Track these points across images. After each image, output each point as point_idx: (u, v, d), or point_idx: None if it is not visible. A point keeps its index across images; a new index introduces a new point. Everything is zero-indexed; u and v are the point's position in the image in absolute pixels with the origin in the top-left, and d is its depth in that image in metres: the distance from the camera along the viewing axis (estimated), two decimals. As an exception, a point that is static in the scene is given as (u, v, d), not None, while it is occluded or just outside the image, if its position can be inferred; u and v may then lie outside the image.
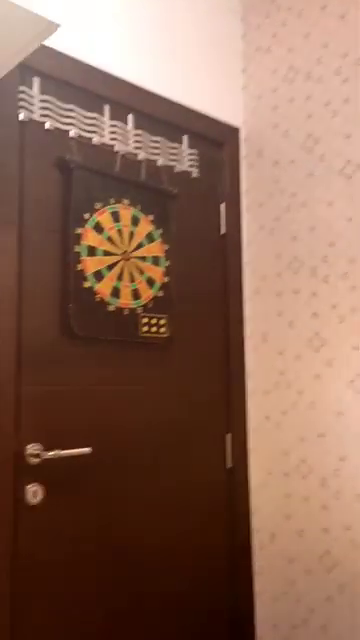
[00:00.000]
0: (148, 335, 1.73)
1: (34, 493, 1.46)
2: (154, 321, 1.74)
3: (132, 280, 1.70)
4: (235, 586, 1.91)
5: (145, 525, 1.69)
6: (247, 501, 1.96)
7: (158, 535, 1.73)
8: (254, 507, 1.96)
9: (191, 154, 1.95)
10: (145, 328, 1.72)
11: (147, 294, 1.73)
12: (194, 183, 1.95)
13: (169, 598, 1.73)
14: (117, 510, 1.63)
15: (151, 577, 1.70)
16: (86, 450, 1.53)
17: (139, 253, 1.73)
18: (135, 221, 1.73)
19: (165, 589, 1.72)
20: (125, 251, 1.70)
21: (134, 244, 1.72)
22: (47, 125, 1.57)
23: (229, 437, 1.95)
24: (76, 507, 1.55)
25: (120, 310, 1.67)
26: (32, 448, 1.47)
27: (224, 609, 1.88)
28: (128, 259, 1.70)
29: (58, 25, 1.13)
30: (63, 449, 1.51)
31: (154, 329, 1.74)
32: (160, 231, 1.79)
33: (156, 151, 1.85)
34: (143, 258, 1.74)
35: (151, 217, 1.77)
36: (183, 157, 1.92)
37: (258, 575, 1.94)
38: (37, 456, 1.47)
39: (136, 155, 1.79)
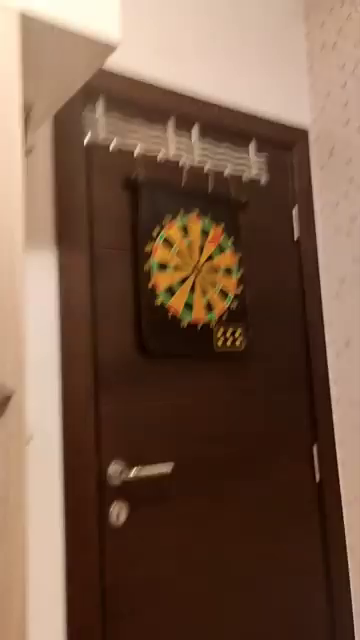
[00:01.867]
0: (224, 348, 1.68)
1: (118, 513, 1.42)
2: (229, 333, 1.69)
3: (205, 293, 1.67)
4: (333, 606, 1.78)
5: (230, 541, 1.62)
6: (340, 517, 1.83)
7: (246, 552, 1.65)
8: (348, 524, 1.83)
9: (259, 160, 1.90)
10: (220, 341, 1.67)
11: (221, 306, 1.69)
12: (264, 189, 1.90)
13: (259, 613, 1.63)
14: (200, 527, 1.57)
15: (239, 593, 1.61)
16: (167, 467, 1.49)
17: (210, 265, 1.70)
18: (205, 232, 1.70)
19: (253, 606, 1.63)
20: (196, 264, 1.67)
21: (205, 256, 1.69)
22: (112, 145, 1.58)
23: (316, 449, 1.83)
24: (160, 525, 1.51)
25: (194, 324, 1.63)
26: (114, 467, 1.44)
27: (321, 631, 1.75)
28: (199, 272, 1.67)
29: (116, 45, 1.10)
30: (144, 466, 1.47)
31: (230, 341, 1.69)
32: (231, 241, 1.75)
33: (222, 161, 1.81)
34: (215, 269, 1.70)
35: (221, 227, 1.73)
36: (251, 164, 1.88)
37: (357, 595, 1.80)
38: (119, 475, 1.44)
39: (202, 167, 1.76)
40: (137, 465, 1.43)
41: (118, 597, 1.43)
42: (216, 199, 1.75)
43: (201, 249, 1.70)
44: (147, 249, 1.59)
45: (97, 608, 1.37)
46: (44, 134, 1.47)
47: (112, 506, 1.44)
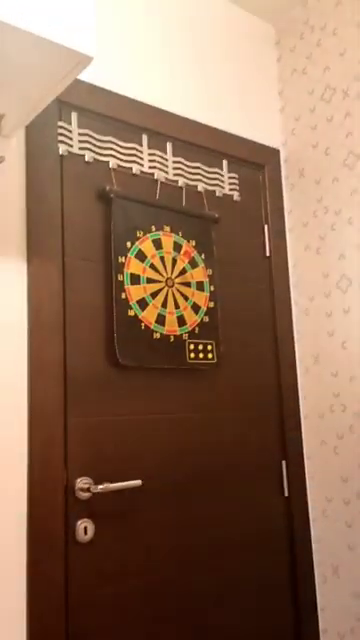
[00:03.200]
0: (195, 361, 1.67)
1: (85, 529, 1.37)
2: (201, 347, 1.68)
3: (177, 306, 1.65)
4: (299, 623, 1.75)
5: (199, 558, 1.58)
6: (308, 531, 1.81)
7: (214, 568, 1.61)
8: (315, 538, 1.81)
9: (231, 177, 1.91)
10: (192, 354, 1.66)
11: (193, 320, 1.68)
12: (236, 206, 1.90)
13: (226, 632, 1.59)
14: (169, 544, 1.52)
15: (207, 611, 1.57)
16: (136, 482, 1.45)
17: (183, 279, 1.69)
18: (177, 247, 1.69)
19: (222, 622, 1.59)
20: (169, 278, 1.66)
21: (177, 270, 1.68)
22: (87, 157, 1.57)
23: (284, 464, 1.81)
24: (127, 541, 1.46)
25: (166, 337, 1.61)
26: (82, 482, 1.40)
27: (288, 649, 1.72)
28: (172, 285, 1.66)
29: (91, 57, 1.08)
30: (113, 482, 1.44)
31: (201, 355, 1.68)
32: (203, 256, 1.75)
33: (196, 177, 1.81)
34: (187, 284, 1.69)
35: (193, 242, 1.73)
36: (224, 181, 1.88)
37: (322, 611, 1.77)
38: (87, 490, 1.40)
39: (176, 182, 1.76)
40: (106, 480, 1.40)
41: (83, 616, 1.37)
42: (189, 214, 1.75)
43: (174, 263, 1.69)
44: (120, 261, 1.57)
45: (61, 628, 1.31)
46: (17, 144, 1.44)
47: (79, 522, 1.39)
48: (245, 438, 1.78)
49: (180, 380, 1.65)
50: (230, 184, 1.90)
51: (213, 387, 1.73)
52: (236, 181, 1.93)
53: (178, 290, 1.68)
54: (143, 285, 1.60)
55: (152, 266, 1.64)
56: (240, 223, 1.91)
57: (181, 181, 1.77)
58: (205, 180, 1.84)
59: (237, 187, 1.92)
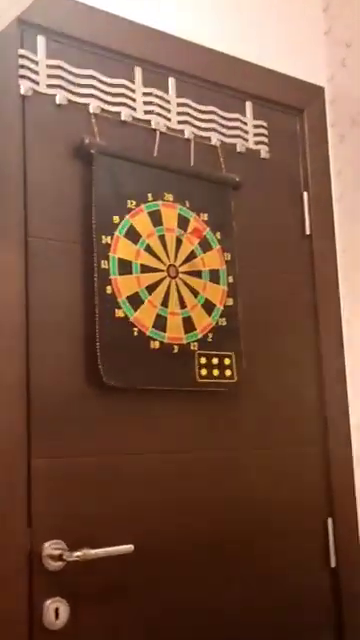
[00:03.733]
0: (208, 381, 1.67)
1: (56, 611, 1.39)
2: (216, 361, 1.69)
3: (183, 305, 1.66)
4: None
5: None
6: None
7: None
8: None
9: (258, 126, 1.91)
10: (204, 371, 1.67)
11: (204, 323, 1.69)
12: (264, 166, 1.91)
13: None
14: (171, 635, 1.54)
15: None
16: (127, 548, 1.46)
17: (191, 267, 1.69)
18: (183, 223, 1.70)
19: None
20: (171, 265, 1.66)
21: (183, 254, 1.69)
22: (58, 99, 1.57)
23: (331, 523, 1.83)
24: (114, 630, 1.47)
25: (168, 347, 1.62)
26: (51, 547, 1.41)
27: None
28: (176, 276, 1.67)
29: None
30: (94, 547, 1.43)
31: (216, 372, 1.69)
32: (219, 235, 1.75)
33: (209, 125, 1.81)
34: (197, 273, 1.70)
35: (205, 216, 1.73)
36: (247, 132, 1.89)
37: None
38: (59, 558, 1.41)
39: (182, 132, 1.76)
40: (85, 545, 1.38)
41: None
42: (200, 177, 1.75)
43: (178, 244, 1.69)
44: (104, 242, 1.57)
45: None
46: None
47: (48, 602, 1.40)
48: (276, 487, 1.78)
49: (187, 407, 1.66)
50: (256, 135, 1.90)
51: (232, 416, 1.73)
52: (264, 131, 1.93)
53: (184, 282, 1.68)
54: (136, 275, 1.60)
55: (148, 249, 1.64)
56: (270, 189, 1.91)
57: (188, 131, 1.77)
58: (222, 130, 1.84)
59: (266, 139, 1.93)
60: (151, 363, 1.59)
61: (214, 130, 1.82)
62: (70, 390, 1.47)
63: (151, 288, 1.62)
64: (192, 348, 1.66)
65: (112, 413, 1.54)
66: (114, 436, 1.53)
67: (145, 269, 1.62)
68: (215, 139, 1.81)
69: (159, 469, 1.59)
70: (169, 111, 1.75)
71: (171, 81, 1.77)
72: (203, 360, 1.67)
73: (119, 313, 1.56)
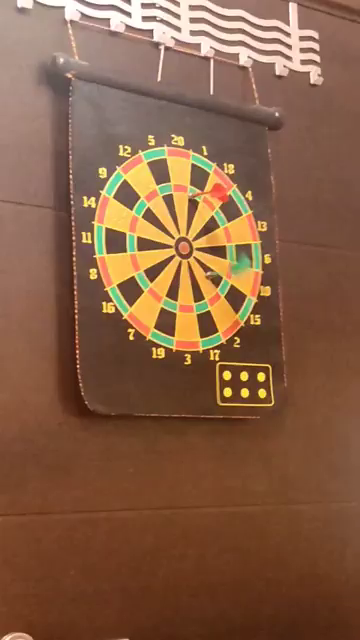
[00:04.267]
0: (234, 405, 1.67)
1: None
2: (245, 376, 1.69)
3: (198, 296, 1.66)
4: None
5: None
6: None
7: None
8: None
9: (306, 39, 1.90)
10: (228, 392, 1.67)
11: (230, 323, 1.69)
12: (317, 95, 1.90)
13: None
14: None
15: None
16: (118, 645, 1.45)
17: (210, 241, 1.69)
18: (199, 178, 1.69)
19: None
20: (182, 239, 1.66)
21: (199, 224, 1.68)
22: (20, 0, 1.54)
23: None
24: None
25: (177, 357, 1.62)
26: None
27: None
28: (188, 254, 1.66)
29: None
30: (72, 645, 1.43)
31: (246, 392, 1.69)
32: (250, 195, 1.74)
33: (235, 37, 1.80)
34: (219, 251, 1.69)
35: (231, 168, 1.73)
36: (291, 46, 1.87)
37: None
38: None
39: (197, 47, 1.76)
40: (59, 641, 1.39)
41: None
42: (222, 112, 1.75)
43: (192, 209, 1.69)
44: (86, 205, 1.56)
45: None
46: None
47: None
48: (331, 557, 1.79)
49: (204, 442, 1.66)
50: (303, 52, 1.89)
51: (268, 456, 1.74)
52: (315, 46, 1.92)
53: (201, 263, 1.68)
54: (132, 253, 1.60)
55: (149, 216, 1.63)
56: (324, 129, 1.91)
57: (206, 46, 1.76)
58: (253, 44, 1.83)
59: (317, 58, 1.92)
60: (153, 380, 1.59)
61: (243, 44, 1.80)
62: (37, 420, 1.48)
63: (153, 272, 1.62)
64: (212, 358, 1.66)
65: (98, 451, 1.54)
66: (101, 484, 1.54)
67: (145, 245, 1.61)
68: (244, 57, 1.80)
69: (164, 531, 1.60)
70: (178, 17, 1.74)
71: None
72: (227, 375, 1.67)
73: (108, 308, 1.56)
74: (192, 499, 1.63)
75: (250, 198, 1.74)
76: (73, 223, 1.53)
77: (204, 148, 1.70)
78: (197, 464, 1.65)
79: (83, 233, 1.54)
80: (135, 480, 1.58)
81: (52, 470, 1.49)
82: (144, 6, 1.69)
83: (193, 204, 1.68)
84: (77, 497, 1.51)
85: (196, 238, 1.67)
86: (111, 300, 1.56)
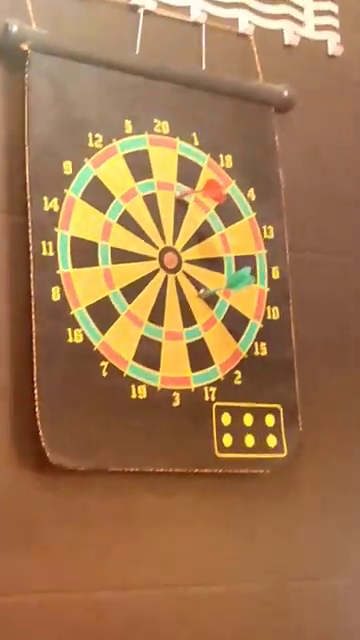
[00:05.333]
0: (236, 456, 1.67)
1: None
2: (250, 420, 1.69)
3: (189, 320, 1.66)
4: None
5: None
6: None
7: None
8: None
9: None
10: (228, 439, 1.67)
11: (229, 353, 1.69)
12: (333, 69, 1.91)
13: None
14: None
15: None
16: None
17: (202, 251, 1.69)
18: (189, 172, 1.70)
19: None
20: (168, 248, 1.66)
21: (189, 230, 1.68)
22: None
23: None
24: None
25: (162, 397, 1.62)
26: None
27: None
28: (176, 268, 1.67)
29: None
30: None
31: (251, 440, 1.69)
32: (252, 194, 1.75)
33: None
34: (214, 263, 1.70)
35: (228, 160, 1.73)
36: (302, 9, 1.88)
37: None
38: None
39: (185, 11, 1.76)
40: None
41: None
42: (217, 91, 1.76)
43: (180, 212, 1.70)
44: (47, 208, 1.56)
45: None
46: None
47: None
48: None
49: (200, 503, 1.66)
50: (318, 15, 1.91)
51: (280, 520, 1.73)
52: (334, 7, 1.93)
53: (191, 279, 1.68)
54: (105, 267, 1.60)
55: (126, 220, 1.63)
56: (343, 110, 1.92)
57: (196, 9, 1.76)
58: (256, 6, 1.84)
59: (335, 22, 1.93)
60: (133, 426, 1.59)
61: (242, 6, 1.81)
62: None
63: (132, 290, 1.62)
64: (207, 398, 1.65)
65: (63, 516, 1.54)
66: (67, 557, 1.53)
67: (121, 257, 1.62)
68: (244, 23, 1.81)
69: (148, 615, 1.59)
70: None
71: None
72: (227, 419, 1.67)
73: (74, 336, 1.56)
74: (183, 575, 1.63)
75: (252, 197, 1.74)
76: (30, 230, 1.53)
77: (194, 136, 1.70)
78: (189, 531, 1.65)
79: (43, 243, 1.54)
80: (110, 552, 1.57)
81: (4, 540, 1.48)
82: None
83: (181, 205, 1.68)
84: (37, 574, 1.51)
85: (185, 248, 1.67)
86: (79, 326, 1.55)
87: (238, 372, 1.69)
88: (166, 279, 1.65)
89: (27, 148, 1.55)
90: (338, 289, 1.86)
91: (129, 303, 1.61)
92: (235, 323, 1.70)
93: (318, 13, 1.89)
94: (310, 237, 1.84)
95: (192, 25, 1.76)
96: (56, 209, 1.57)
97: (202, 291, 1.67)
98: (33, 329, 1.51)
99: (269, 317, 1.73)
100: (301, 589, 1.74)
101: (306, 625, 1.74)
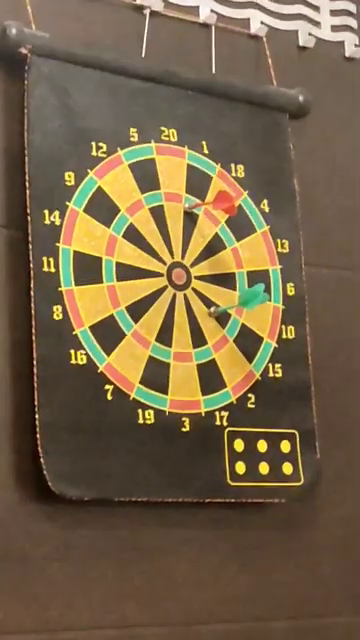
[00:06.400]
0: (250, 485, 1.65)
1: None
2: (264, 446, 1.68)
3: (200, 341, 1.65)
4: None
5: None
6: None
7: None
8: None
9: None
10: (241, 467, 1.65)
11: (241, 375, 1.67)
12: (351, 72, 1.90)
13: None
14: None
15: None
16: None
17: (213, 267, 1.68)
18: (199, 183, 1.69)
19: None
20: (176, 264, 1.65)
21: (198, 244, 1.68)
22: None
23: None
24: None
25: (171, 422, 1.61)
26: None
27: None
28: (185, 284, 1.65)
29: None
30: None
31: (265, 468, 1.67)
32: (266, 205, 1.74)
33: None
34: (225, 280, 1.69)
35: (240, 170, 1.72)
36: (318, 8, 1.87)
37: None
38: None
39: (194, 11, 1.76)
40: None
41: None
42: (228, 97, 1.75)
43: (189, 225, 1.69)
44: (48, 222, 1.55)
45: None
46: None
47: None
48: None
49: (211, 534, 1.65)
50: (335, 14, 1.90)
51: (298, 552, 1.72)
52: (352, 6, 1.92)
53: (200, 295, 1.67)
54: (110, 284, 1.59)
55: (133, 234, 1.62)
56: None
57: (206, 9, 1.76)
58: (269, 6, 1.83)
59: (354, 22, 1.92)
60: (140, 453, 1.58)
61: (255, 6, 1.81)
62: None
63: (139, 309, 1.61)
64: (218, 422, 1.64)
65: (66, 549, 1.52)
66: (71, 593, 1.52)
67: (127, 273, 1.61)
68: (257, 24, 1.80)
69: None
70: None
71: None
72: (240, 445, 1.66)
73: (78, 358, 1.54)
74: (193, 613, 1.63)
75: (266, 209, 1.74)
76: (31, 246, 1.53)
77: (204, 144, 1.70)
78: (199, 565, 1.64)
79: (44, 259, 1.54)
80: (116, 588, 1.57)
81: (2, 574, 1.47)
82: None
83: (190, 218, 1.68)
84: (36, 610, 1.50)
85: (195, 263, 1.68)
86: (82, 347, 1.55)
87: (251, 395, 1.69)
88: (174, 296, 1.65)
89: (27, 158, 1.55)
90: (357, 307, 1.86)
91: (135, 322, 1.61)
92: (248, 343, 1.70)
93: (334, 13, 1.89)
94: (327, 252, 1.85)
95: (201, 26, 1.77)
96: (58, 223, 1.56)
97: (213, 309, 1.66)
98: (34, 350, 1.51)
99: (284, 336, 1.73)
100: (323, 627, 1.74)
101: None
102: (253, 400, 1.69)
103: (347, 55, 1.88)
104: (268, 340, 1.72)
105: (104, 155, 1.62)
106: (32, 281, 1.53)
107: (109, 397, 1.57)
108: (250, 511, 1.69)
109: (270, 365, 1.71)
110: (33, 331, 1.52)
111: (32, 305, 1.52)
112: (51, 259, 1.55)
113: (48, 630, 1.51)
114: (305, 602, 1.74)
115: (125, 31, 1.70)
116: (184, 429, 1.62)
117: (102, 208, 1.60)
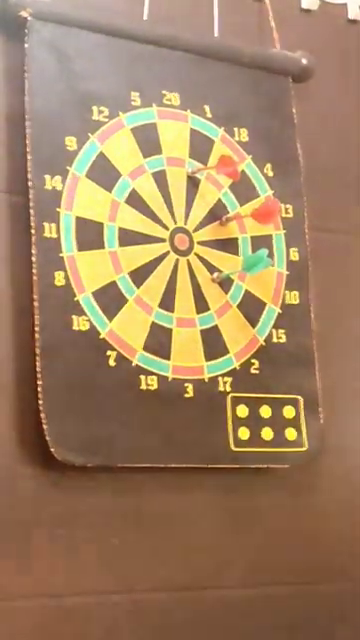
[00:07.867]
0: (253, 450, 1.67)
1: None
2: (267, 411, 1.69)
3: (202, 306, 1.65)
4: None
5: None
6: None
7: None
8: None
9: None
10: (244, 432, 1.66)
11: (244, 341, 1.68)
12: (355, 35, 1.90)
13: None
14: None
15: None
16: None
17: (216, 232, 1.68)
18: (201, 147, 1.69)
19: None
20: (179, 229, 1.65)
21: (202, 209, 1.68)
22: None
23: None
24: None
25: (174, 388, 1.61)
26: None
27: None
28: (188, 250, 1.66)
29: None
30: None
31: (269, 433, 1.68)
32: (269, 169, 1.74)
33: None
34: (228, 245, 1.69)
35: (243, 134, 1.73)
36: None
37: None
38: None
39: None
40: None
41: None
42: (230, 60, 1.75)
43: (192, 190, 1.69)
44: (49, 187, 1.56)
45: None
46: None
47: None
48: None
49: (214, 499, 1.66)
50: None
51: (303, 516, 1.73)
52: None
53: (204, 261, 1.67)
54: (112, 250, 1.60)
55: (134, 199, 1.63)
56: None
57: None
58: None
59: None
60: (143, 419, 1.59)
61: None
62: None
63: (141, 274, 1.61)
64: (221, 388, 1.65)
65: (70, 515, 1.53)
66: (75, 557, 1.53)
67: (129, 238, 1.61)
68: None
69: (166, 622, 1.59)
70: None
71: None
72: (243, 411, 1.67)
73: (80, 324, 1.55)
74: (198, 578, 1.63)
75: (270, 174, 1.74)
76: (32, 211, 1.53)
77: (207, 108, 1.70)
78: (203, 531, 1.64)
79: (45, 224, 1.54)
80: (121, 554, 1.57)
81: (7, 542, 1.48)
82: None
83: (193, 183, 1.68)
84: (41, 576, 1.50)
85: (198, 228, 1.67)
86: (84, 313, 1.55)
87: (255, 361, 1.69)
88: (177, 262, 1.65)
89: (27, 122, 1.54)
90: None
91: (138, 288, 1.61)
92: (251, 308, 1.70)
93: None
94: (332, 216, 1.84)
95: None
96: (59, 188, 1.56)
97: (216, 274, 1.66)
98: (36, 317, 1.51)
99: (288, 302, 1.73)
100: (326, 592, 1.74)
101: (339, 631, 1.74)
102: (257, 366, 1.69)
103: (350, 17, 1.86)
104: (272, 305, 1.71)
105: (105, 119, 1.61)
106: (33, 247, 1.52)
107: (111, 363, 1.56)
108: (253, 477, 1.70)
109: (274, 330, 1.71)
110: (35, 297, 1.51)
111: (34, 271, 1.51)
112: (52, 225, 1.55)
113: (53, 595, 1.51)
114: (309, 567, 1.73)
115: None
116: (187, 395, 1.62)
117: (104, 173, 1.60)
